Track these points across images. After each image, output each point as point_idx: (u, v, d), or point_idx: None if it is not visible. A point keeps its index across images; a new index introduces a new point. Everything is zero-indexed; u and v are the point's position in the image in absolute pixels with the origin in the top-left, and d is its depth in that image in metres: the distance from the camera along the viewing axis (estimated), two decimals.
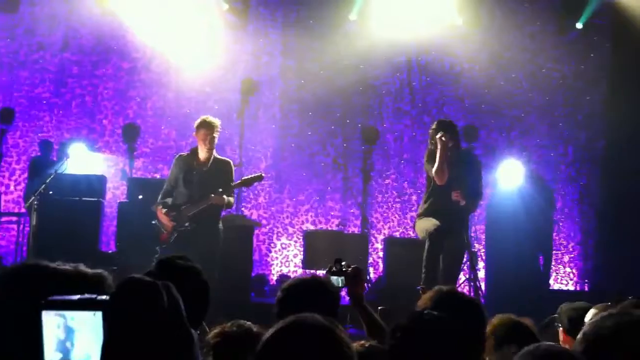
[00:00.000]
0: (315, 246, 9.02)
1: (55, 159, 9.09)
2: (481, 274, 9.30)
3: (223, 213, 6.79)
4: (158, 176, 9.70)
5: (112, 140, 10.03)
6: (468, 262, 7.00)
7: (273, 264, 10.07)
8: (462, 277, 7.87)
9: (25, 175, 9.51)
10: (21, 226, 9.03)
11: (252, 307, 7.53)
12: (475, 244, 9.75)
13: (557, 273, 10.45)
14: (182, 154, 6.92)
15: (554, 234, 10.07)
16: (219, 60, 9.98)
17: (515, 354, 1.84)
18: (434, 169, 6.41)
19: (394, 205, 10.48)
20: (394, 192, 10.49)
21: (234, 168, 6.84)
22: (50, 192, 7.88)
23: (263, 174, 6.99)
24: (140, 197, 8.26)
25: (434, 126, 6.64)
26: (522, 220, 8.95)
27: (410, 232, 9.78)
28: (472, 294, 6.71)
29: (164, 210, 6.57)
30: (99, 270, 1.85)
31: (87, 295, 1.57)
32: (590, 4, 10.22)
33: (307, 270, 8.32)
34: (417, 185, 10.19)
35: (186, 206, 6.54)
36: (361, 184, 10.30)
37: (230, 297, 6.60)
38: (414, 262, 6.93)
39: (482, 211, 9.57)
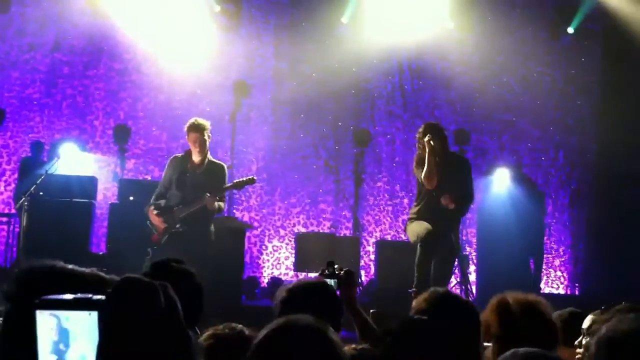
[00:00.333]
0: (307, 249, 9.01)
1: (45, 159, 9.03)
2: (472, 277, 9.33)
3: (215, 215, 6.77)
4: (149, 178, 9.66)
5: (103, 141, 9.97)
6: (459, 266, 7.01)
7: (264, 267, 10.05)
8: (453, 281, 7.88)
9: (16, 175, 9.44)
10: (11, 227, 8.98)
11: (244, 310, 7.51)
12: (466, 248, 9.77)
13: (547, 277, 10.50)
14: (176, 155, 6.86)
15: (545, 237, 10.11)
16: (211, 62, 9.94)
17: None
18: (423, 174, 6.40)
19: (386, 208, 10.48)
20: (386, 195, 10.50)
21: (227, 172, 6.81)
22: (41, 193, 7.84)
23: (255, 178, 6.96)
24: (131, 198, 8.24)
25: (421, 129, 6.58)
26: (513, 223, 8.99)
27: (402, 235, 9.78)
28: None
29: (155, 212, 6.54)
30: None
31: (82, 295, 1.53)
32: (582, 9, 10.28)
33: (309, 274, 8.26)
34: (408, 188, 10.19)
35: (178, 208, 6.52)
36: (353, 186, 10.30)
37: (222, 300, 6.56)
38: (405, 265, 6.94)
39: (473, 215, 9.59)
